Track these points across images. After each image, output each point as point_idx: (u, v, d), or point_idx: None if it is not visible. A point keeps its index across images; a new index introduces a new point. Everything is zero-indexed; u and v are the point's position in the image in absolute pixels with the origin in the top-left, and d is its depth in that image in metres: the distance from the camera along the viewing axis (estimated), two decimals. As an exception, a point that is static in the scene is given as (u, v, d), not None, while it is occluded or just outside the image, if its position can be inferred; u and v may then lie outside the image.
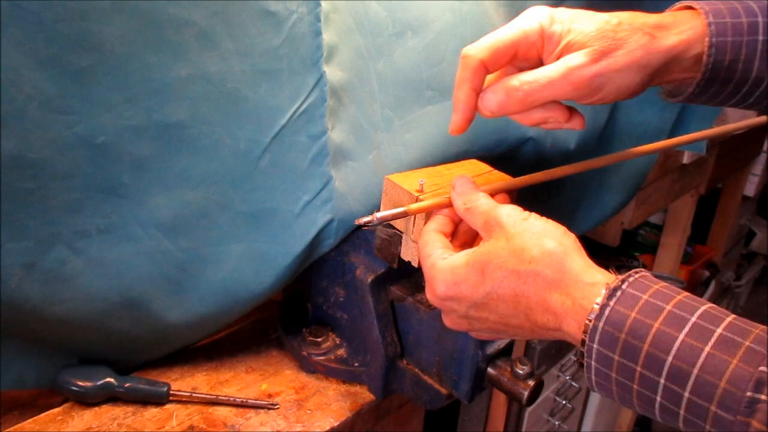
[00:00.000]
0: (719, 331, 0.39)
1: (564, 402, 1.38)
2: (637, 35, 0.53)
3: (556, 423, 1.39)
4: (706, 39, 0.54)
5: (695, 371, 0.39)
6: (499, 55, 0.53)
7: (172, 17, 0.52)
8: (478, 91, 0.54)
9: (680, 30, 0.54)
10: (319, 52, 0.59)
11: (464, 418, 1.19)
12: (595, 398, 1.55)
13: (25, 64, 0.47)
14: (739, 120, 0.83)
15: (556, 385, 1.35)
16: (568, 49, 0.53)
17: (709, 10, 0.55)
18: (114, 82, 0.51)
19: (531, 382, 0.58)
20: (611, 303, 0.43)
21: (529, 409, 1.27)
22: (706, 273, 1.89)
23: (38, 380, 0.59)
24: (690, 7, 0.57)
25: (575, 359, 0.46)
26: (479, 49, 0.53)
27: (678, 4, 0.59)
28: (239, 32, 0.55)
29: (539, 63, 0.55)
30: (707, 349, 0.39)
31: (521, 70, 0.55)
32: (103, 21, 0.49)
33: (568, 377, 1.35)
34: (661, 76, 0.55)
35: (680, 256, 1.63)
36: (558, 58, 0.53)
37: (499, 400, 1.20)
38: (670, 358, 0.40)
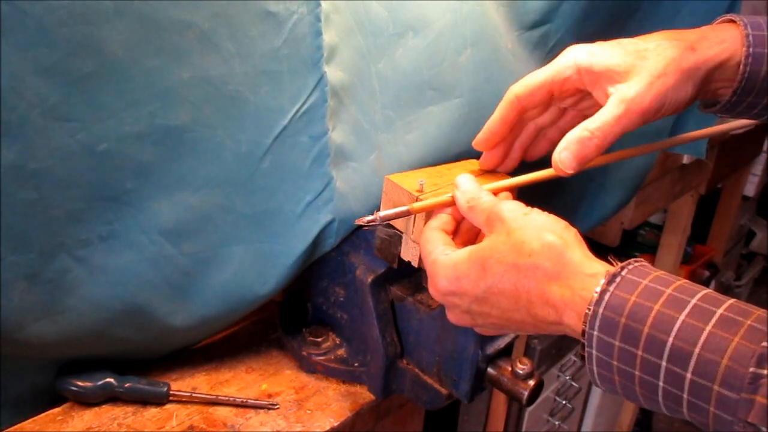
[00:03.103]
0: (720, 311, 0.39)
1: (564, 402, 1.39)
2: (679, 50, 0.55)
3: (556, 423, 1.39)
4: (743, 48, 0.56)
5: (696, 350, 0.39)
6: (533, 92, 0.58)
7: (174, 20, 0.51)
8: (506, 120, 0.59)
9: (721, 40, 0.56)
10: (319, 53, 0.59)
11: (464, 418, 1.19)
12: (595, 398, 1.55)
13: (28, 70, 0.46)
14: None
15: (556, 385, 1.35)
16: (614, 77, 0.55)
17: (747, 22, 0.57)
18: (116, 88, 0.50)
19: (531, 382, 0.58)
20: (611, 288, 0.43)
21: (529, 409, 1.27)
22: (706, 273, 1.89)
23: (35, 408, 0.59)
24: (731, 21, 0.59)
25: (576, 358, 0.46)
26: (516, 85, 0.58)
27: (719, 19, 0.61)
28: (240, 34, 0.55)
29: (579, 99, 0.60)
30: (708, 328, 0.39)
31: (564, 108, 0.62)
32: (106, 25, 0.48)
33: (568, 377, 1.35)
34: (706, 87, 0.58)
35: (680, 256, 1.63)
36: (606, 89, 0.55)
37: (499, 400, 1.21)
38: (671, 339, 0.40)
